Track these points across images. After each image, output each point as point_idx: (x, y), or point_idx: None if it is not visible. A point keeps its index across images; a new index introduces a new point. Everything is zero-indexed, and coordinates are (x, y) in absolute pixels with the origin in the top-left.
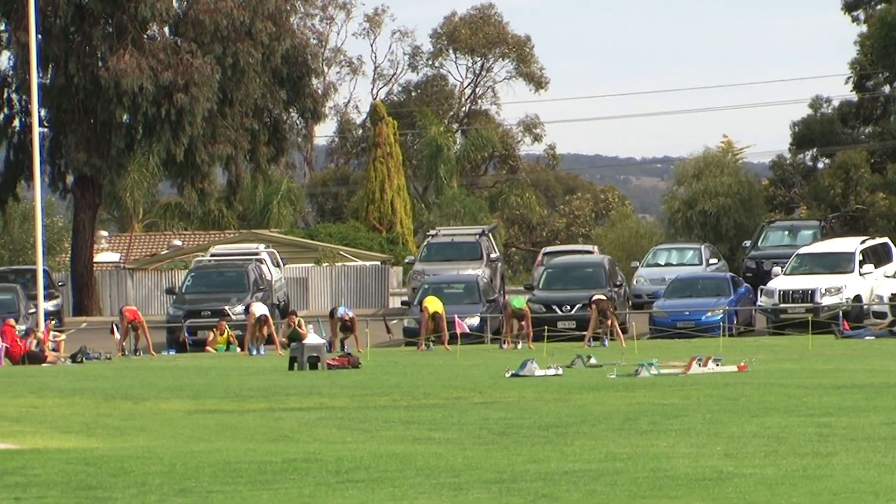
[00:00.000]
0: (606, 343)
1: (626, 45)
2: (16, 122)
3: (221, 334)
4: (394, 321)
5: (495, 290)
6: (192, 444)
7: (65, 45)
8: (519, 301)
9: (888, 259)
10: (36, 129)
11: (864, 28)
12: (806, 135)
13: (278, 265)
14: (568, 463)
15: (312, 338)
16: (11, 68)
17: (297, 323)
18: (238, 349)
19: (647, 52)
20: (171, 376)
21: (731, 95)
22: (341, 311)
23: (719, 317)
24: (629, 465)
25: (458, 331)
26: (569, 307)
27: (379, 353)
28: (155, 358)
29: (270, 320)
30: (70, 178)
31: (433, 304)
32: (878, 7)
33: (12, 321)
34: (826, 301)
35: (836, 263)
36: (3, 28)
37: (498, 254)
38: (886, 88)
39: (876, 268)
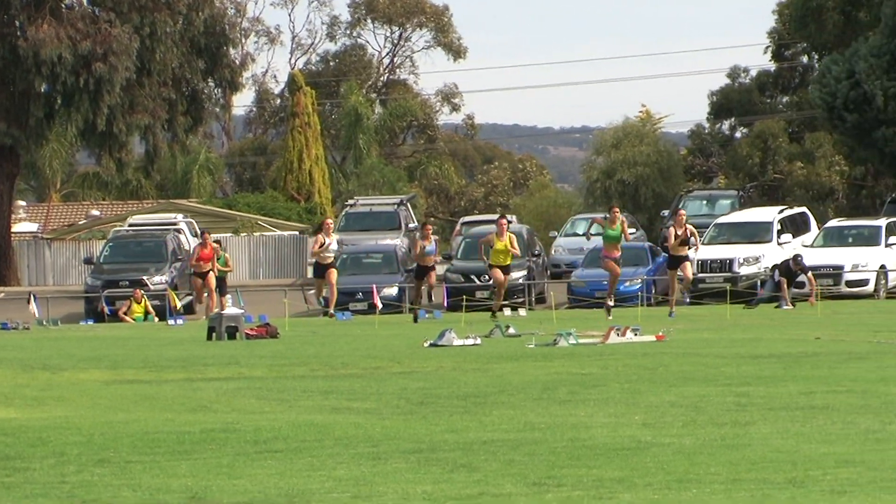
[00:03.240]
0: (523, 313)
1: (545, 14)
2: None
3: (138, 303)
4: (311, 291)
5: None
6: (110, 415)
7: None
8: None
9: (806, 228)
10: None
11: None
12: (724, 104)
13: (196, 235)
14: (486, 433)
15: (231, 308)
16: None
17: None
18: (157, 319)
19: (566, 22)
20: (89, 346)
21: (650, 65)
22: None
23: (637, 286)
24: (547, 434)
25: (375, 301)
26: (487, 277)
27: (297, 322)
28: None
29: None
30: None
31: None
32: None
33: None
34: (744, 271)
35: (755, 233)
36: None
37: (416, 223)
38: (804, 58)
39: (794, 237)
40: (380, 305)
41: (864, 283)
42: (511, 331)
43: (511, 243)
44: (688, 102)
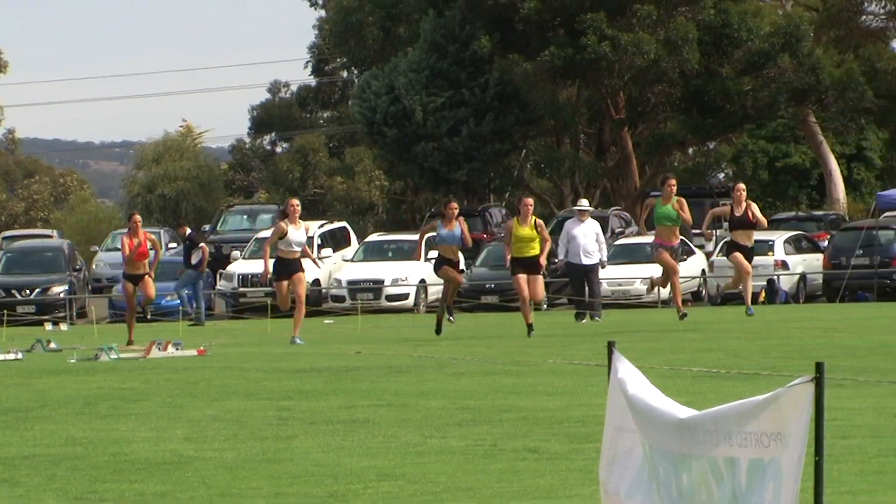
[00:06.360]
0: (65, 327)
1: (87, 28)
2: None
3: None
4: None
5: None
6: None
7: None
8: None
9: (346, 243)
10: None
11: (322, 13)
12: (265, 119)
13: None
14: (28, 448)
15: None
16: None
17: None
18: None
19: (108, 37)
20: None
21: (191, 80)
22: None
23: (178, 301)
24: (90, 449)
25: None
26: (28, 291)
27: None
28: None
29: None
30: None
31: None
32: None
33: None
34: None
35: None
36: None
37: None
38: (344, 73)
39: (335, 251)
40: None
41: (405, 297)
42: (53, 345)
43: (537, 227)
44: (229, 117)
